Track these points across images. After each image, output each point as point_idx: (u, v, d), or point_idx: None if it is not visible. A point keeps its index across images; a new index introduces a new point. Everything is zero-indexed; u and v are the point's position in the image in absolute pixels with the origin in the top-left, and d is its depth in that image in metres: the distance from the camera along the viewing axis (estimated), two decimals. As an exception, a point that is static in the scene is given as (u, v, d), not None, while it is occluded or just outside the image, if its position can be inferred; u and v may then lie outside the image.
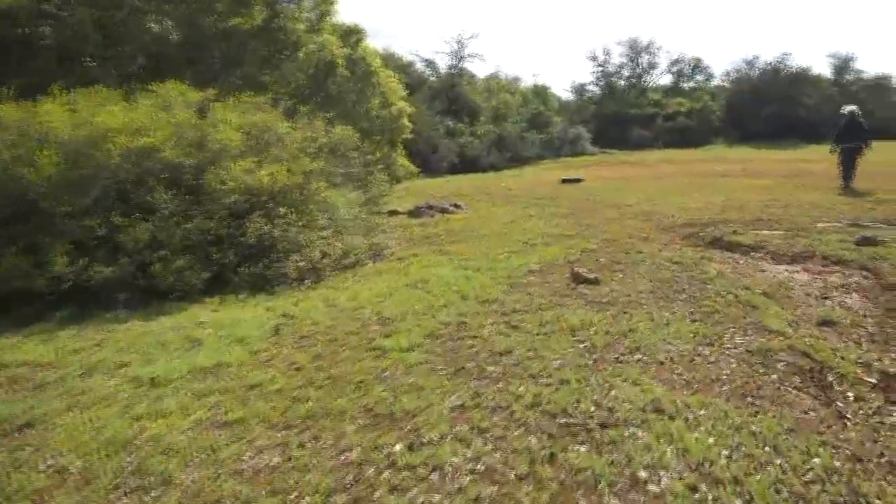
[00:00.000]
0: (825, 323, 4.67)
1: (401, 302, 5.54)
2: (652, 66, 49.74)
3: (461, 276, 6.35)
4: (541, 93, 41.09)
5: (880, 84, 40.65)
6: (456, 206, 12.87)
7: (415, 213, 12.26)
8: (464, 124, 34.14)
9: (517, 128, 35.24)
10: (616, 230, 9.50)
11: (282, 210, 6.85)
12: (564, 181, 18.86)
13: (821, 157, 26.91)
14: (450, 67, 39.92)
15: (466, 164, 30.41)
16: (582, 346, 4.22)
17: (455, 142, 31.45)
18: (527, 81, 44.60)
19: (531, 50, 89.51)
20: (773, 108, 39.01)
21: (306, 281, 6.69)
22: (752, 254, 7.27)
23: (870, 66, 62.30)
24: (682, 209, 11.17)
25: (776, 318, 4.73)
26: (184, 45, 11.58)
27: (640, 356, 3.98)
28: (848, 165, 13.50)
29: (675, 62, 49.70)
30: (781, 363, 3.83)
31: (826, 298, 5.33)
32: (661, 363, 3.85)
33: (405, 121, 16.03)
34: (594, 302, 5.30)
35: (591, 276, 5.95)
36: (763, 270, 6.47)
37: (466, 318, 4.99)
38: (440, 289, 5.94)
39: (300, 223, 6.98)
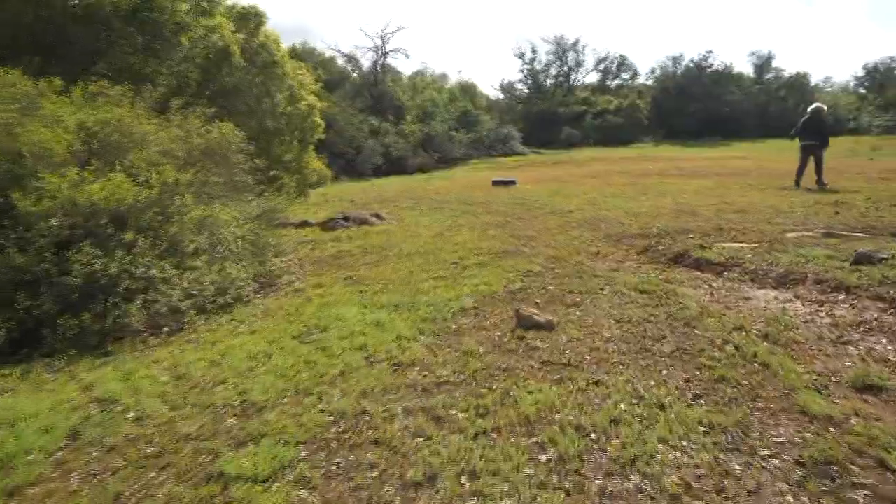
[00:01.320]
0: (867, 389, 3.38)
1: (280, 370, 3.87)
2: (579, 64, 49.69)
3: (371, 321, 4.74)
4: (468, 90, 39.97)
5: (798, 82, 41.77)
6: (377, 215, 11.24)
7: (329, 224, 10.54)
8: (389, 123, 32.49)
9: (445, 127, 33.88)
10: (561, 243, 8.15)
11: (127, 236, 5.04)
12: (496, 183, 17.53)
13: (750, 154, 27.02)
14: (373, 63, 38.20)
15: (393, 166, 28.79)
16: (545, 457, 2.72)
17: (380, 142, 29.74)
18: (453, 79, 43.46)
19: (457, 46, 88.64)
20: (697, 105, 39.42)
21: (163, 331, 4.92)
22: (725, 274, 6.02)
23: (787, 64, 64.82)
24: (629, 215, 9.97)
25: (801, 384, 3.41)
26: (35, 26, 9.43)
27: (639, 480, 2.51)
28: (804, 163, 13.06)
29: (602, 60, 49.85)
30: (859, 488, 2.46)
31: (845, 343, 4.07)
32: (676, 498, 2.39)
33: (317, 118, 14.23)
34: (551, 363, 3.81)
35: (542, 318, 4.48)
36: (748, 298, 5.21)
37: (369, 400, 3.39)
38: (340, 343, 4.31)
39: (155, 252, 5.18)
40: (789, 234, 7.42)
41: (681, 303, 4.97)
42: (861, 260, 5.54)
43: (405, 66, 67.61)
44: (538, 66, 49.71)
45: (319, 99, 16.01)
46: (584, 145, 38.63)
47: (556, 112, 43.23)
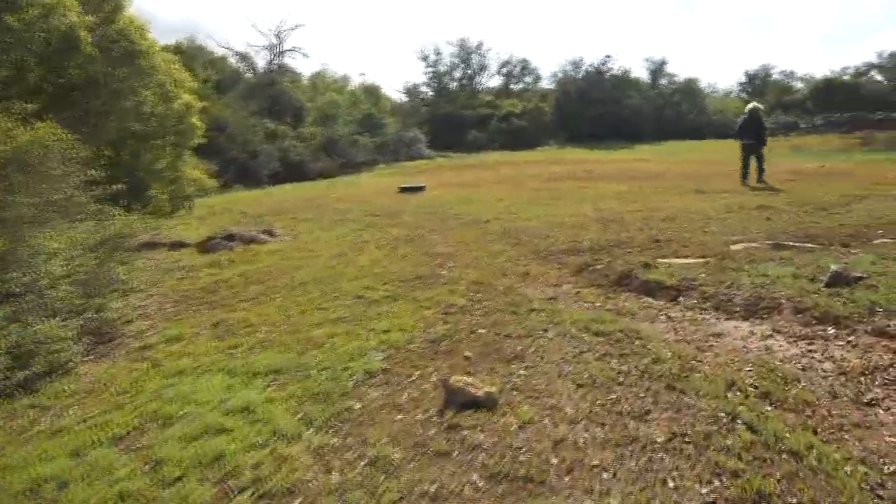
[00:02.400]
0: (942, 487, 2.40)
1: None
2: (483, 67, 49.32)
3: (238, 406, 3.30)
4: (372, 93, 38.49)
5: (689, 87, 43.41)
6: (268, 232, 9.65)
7: (208, 245, 8.84)
8: (287, 126, 30.44)
9: (348, 130, 32.21)
10: (483, 262, 7.00)
11: None
12: (404, 190, 16.27)
13: (652, 157, 27.32)
14: (269, 63, 35.90)
15: (293, 172, 26.80)
16: None
17: (278, 146, 27.69)
18: (356, 80, 41.76)
19: (359, 48, 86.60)
20: (598, 109, 39.94)
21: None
22: (682, 300, 5.06)
23: (679, 69, 67.85)
24: (552, 225, 9.00)
25: (853, 485, 2.38)
26: None
27: None
28: (746, 161, 13.24)
29: (505, 64, 49.70)
30: None
31: (871, 404, 3.13)
32: None
33: (195, 119, 12.35)
34: (502, 478, 2.56)
35: (479, 391, 3.22)
36: (719, 334, 4.23)
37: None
38: (182, 453, 2.85)
39: None
40: (735, 247, 6.64)
41: (648, 348, 3.90)
42: (837, 281, 4.73)
43: (304, 67, 64.86)
44: (442, 69, 48.95)
45: (199, 98, 14.07)
46: (490, 148, 38.12)
47: (462, 115, 42.51)
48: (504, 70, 50.20)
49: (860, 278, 4.73)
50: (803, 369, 3.56)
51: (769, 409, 3.13)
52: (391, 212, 11.92)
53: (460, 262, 7.06)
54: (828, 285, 4.72)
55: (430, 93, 49.00)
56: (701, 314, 4.71)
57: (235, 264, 7.65)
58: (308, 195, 16.84)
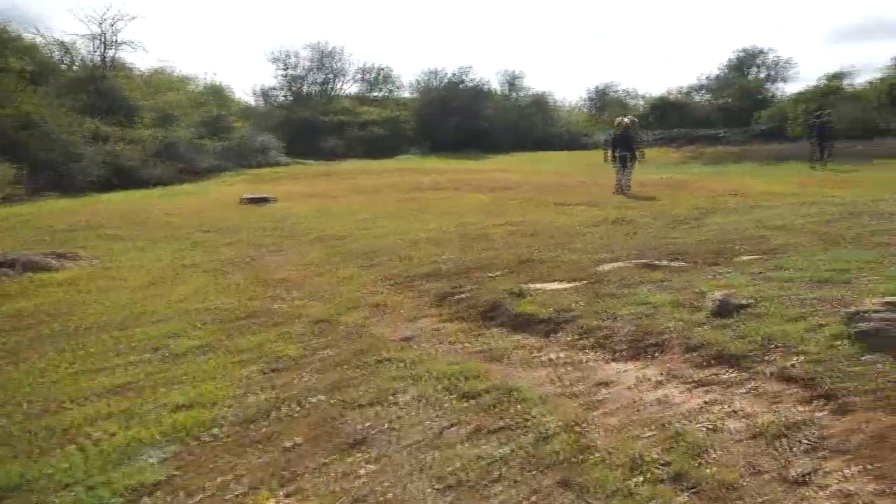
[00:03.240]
0: None
1: None
2: (341, 72, 47.90)
3: None
4: (220, 94, 35.60)
5: (542, 100, 45.08)
6: (64, 255, 7.82)
7: (-27, 273, 6.90)
8: (118, 127, 27.06)
9: (191, 133, 29.33)
10: (329, 290, 5.93)
11: None
12: (249, 201, 14.66)
13: (509, 167, 27.57)
14: (96, 55, 31.96)
15: (123, 178, 23.69)
16: None
17: (105, 149, 24.44)
18: (203, 80, 38.42)
19: (208, 47, 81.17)
20: (458, 119, 40.13)
21: None
22: (559, 336, 4.34)
23: (532, 83, 70.48)
24: (411, 243, 8.12)
25: None
26: None
27: None
28: (620, 173, 13.83)
29: (364, 70, 48.66)
30: None
31: (800, 482, 2.48)
32: None
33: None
34: None
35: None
36: (606, 383, 3.50)
37: None
38: None
39: None
40: (605, 267, 6.13)
41: (529, 417, 3.04)
42: (722, 310, 4.23)
43: (143, 63, 58.84)
44: (298, 73, 46.85)
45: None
46: (349, 156, 36.86)
47: (319, 121, 40.80)
48: (363, 77, 49.16)
49: (745, 305, 4.28)
50: (711, 430, 2.89)
51: (686, 498, 2.39)
52: (229, 227, 10.42)
53: (302, 292, 5.92)
54: (713, 315, 4.21)
55: (286, 97, 46.76)
56: (582, 354, 3.99)
57: (3, 301, 5.89)
58: (134, 206, 14.63)
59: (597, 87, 54.10)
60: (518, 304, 4.90)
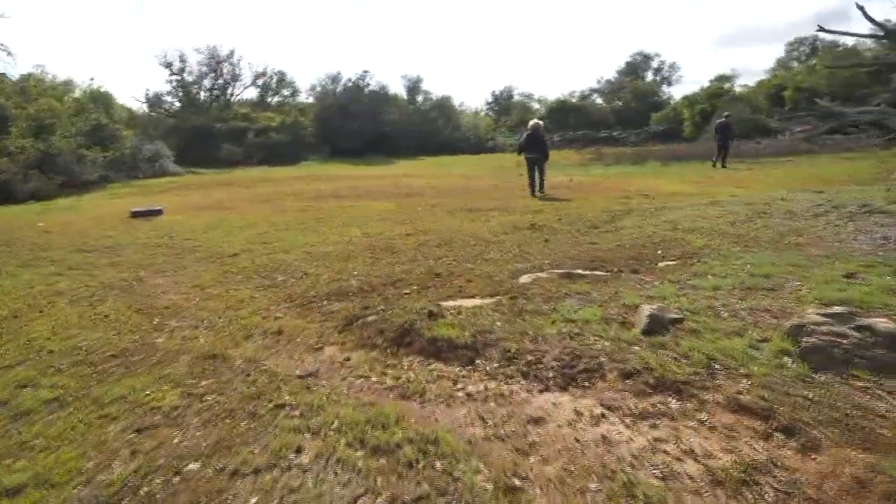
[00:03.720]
0: None
1: None
2: (235, 77, 45.93)
3: None
4: (103, 100, 32.90)
5: (445, 104, 45.14)
6: None
7: None
8: (-18, 138, 24.29)
9: (71, 143, 26.83)
10: (221, 318, 5.21)
11: None
12: (136, 215, 13.37)
13: (413, 171, 27.11)
14: (-47, 59, 28.58)
15: (-9, 194, 21.27)
16: None
17: (-33, 162, 21.82)
18: (82, 86, 35.44)
19: (87, 50, 75.47)
20: (358, 123, 39.38)
21: None
22: (480, 364, 3.91)
23: (433, 87, 70.29)
24: (315, 258, 7.49)
25: None
26: None
27: None
28: (532, 175, 13.81)
29: (260, 75, 46.90)
30: None
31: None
32: None
33: None
34: None
35: None
36: (538, 420, 3.09)
37: None
38: None
39: None
40: (524, 279, 5.78)
41: (454, 474, 2.57)
42: (654, 326, 3.94)
43: (13, 68, 53.49)
44: (189, 78, 44.36)
45: None
46: (247, 164, 35.18)
47: (214, 128, 38.74)
48: (260, 81, 47.43)
49: (678, 320, 4.02)
50: (666, 478, 2.53)
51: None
52: (112, 246, 9.31)
53: (189, 321, 5.18)
54: (646, 332, 3.92)
55: (177, 103, 44.15)
56: (508, 385, 3.57)
57: None
58: (1, 224, 12.95)
59: (498, 91, 55.07)
60: (433, 327, 4.42)
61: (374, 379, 3.78)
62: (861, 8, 11.72)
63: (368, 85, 42.44)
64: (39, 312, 5.62)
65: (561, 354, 3.80)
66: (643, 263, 6.16)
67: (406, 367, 3.95)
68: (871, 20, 12.21)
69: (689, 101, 40.22)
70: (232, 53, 45.50)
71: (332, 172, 27.75)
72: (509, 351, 3.97)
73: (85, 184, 25.15)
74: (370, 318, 4.85)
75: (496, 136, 43.73)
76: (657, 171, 21.16)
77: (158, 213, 13.55)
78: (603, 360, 3.65)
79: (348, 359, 4.18)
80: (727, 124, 20.28)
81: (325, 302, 5.53)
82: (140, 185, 25.54)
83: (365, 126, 39.12)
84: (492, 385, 3.58)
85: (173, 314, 5.41)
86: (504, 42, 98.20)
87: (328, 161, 37.00)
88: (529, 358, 3.84)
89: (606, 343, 3.86)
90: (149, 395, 3.55)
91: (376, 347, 4.35)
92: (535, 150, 13.91)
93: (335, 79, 43.49)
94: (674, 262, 6.10)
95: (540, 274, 5.93)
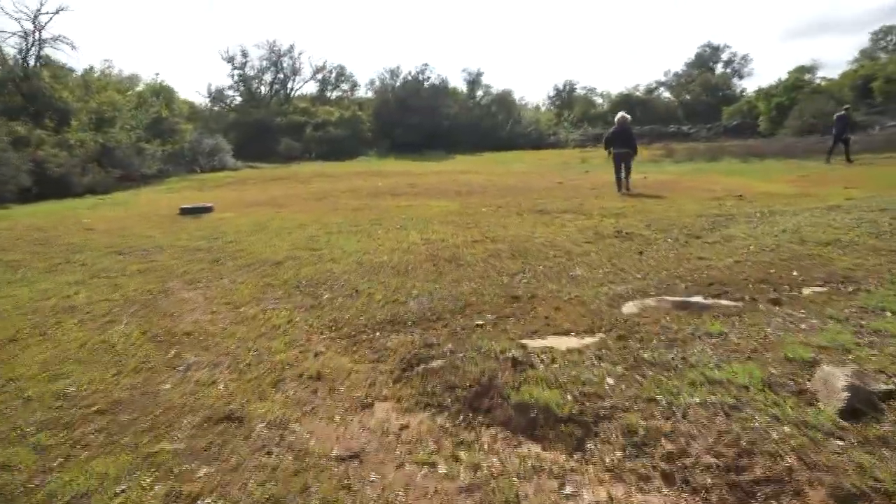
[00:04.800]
0: None
1: None
2: (295, 71, 45.82)
3: None
4: (164, 94, 33.11)
5: (505, 98, 43.76)
6: None
7: None
8: (48, 131, 24.56)
9: (132, 136, 26.93)
10: (248, 349, 4.20)
11: None
12: (185, 212, 12.73)
13: (473, 168, 25.92)
14: (22, 52, 29.22)
15: (51, 187, 21.30)
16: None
17: (30, 155, 21.98)
18: (146, 81, 35.83)
19: (154, 47, 77.48)
20: (418, 118, 38.48)
21: None
22: (590, 450, 2.72)
23: (494, 81, 68.63)
24: (367, 270, 6.43)
25: None
26: None
27: None
28: (619, 172, 13.10)
29: (320, 69, 46.66)
30: None
31: None
32: None
33: None
34: None
35: None
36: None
37: None
38: None
39: None
40: (628, 308, 4.54)
41: None
42: (858, 406, 2.66)
43: (77, 62, 54.91)
44: (251, 72, 44.52)
45: None
46: (305, 159, 34.83)
47: (274, 122, 38.65)
48: (319, 76, 47.24)
49: (891, 394, 2.72)
50: None
51: None
52: (149, 248, 8.55)
53: (209, 355, 4.18)
54: (846, 414, 2.63)
55: (238, 98, 44.41)
56: (644, 494, 2.38)
57: None
58: (48, 221, 12.50)
59: (559, 85, 53.17)
60: (521, 384, 3.25)
61: (441, 469, 2.64)
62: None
63: (428, 79, 41.56)
64: (41, 336, 4.74)
65: (718, 445, 2.56)
66: (780, 289, 4.78)
67: (487, 448, 2.81)
68: None
69: (766, 94, 37.57)
70: (292, 48, 45.45)
71: (390, 168, 26.90)
72: (635, 432, 2.76)
73: (143, 177, 25.13)
74: (435, 364, 3.71)
75: (558, 130, 42.01)
76: (738, 169, 19.31)
77: (208, 210, 12.86)
78: (791, 462, 2.39)
79: (405, 426, 3.07)
80: (846, 116, 18.60)
81: (377, 333, 4.44)
82: (198, 179, 25.33)
83: (424, 121, 38.18)
84: (619, 492, 2.39)
85: (193, 344, 4.43)
86: (566, 35, 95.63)
87: (386, 156, 36.30)
88: (668, 447, 2.62)
89: (786, 430, 2.59)
90: (124, 491, 2.51)
91: (443, 410, 3.21)
92: (624, 145, 13.08)
93: (394, 73, 42.81)
94: (822, 289, 4.71)
95: (647, 301, 4.66)
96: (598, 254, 6.63)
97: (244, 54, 43.60)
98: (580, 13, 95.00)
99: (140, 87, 33.98)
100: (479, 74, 45.10)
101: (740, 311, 4.27)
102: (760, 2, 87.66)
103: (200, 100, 44.01)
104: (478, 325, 4.40)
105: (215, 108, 43.39)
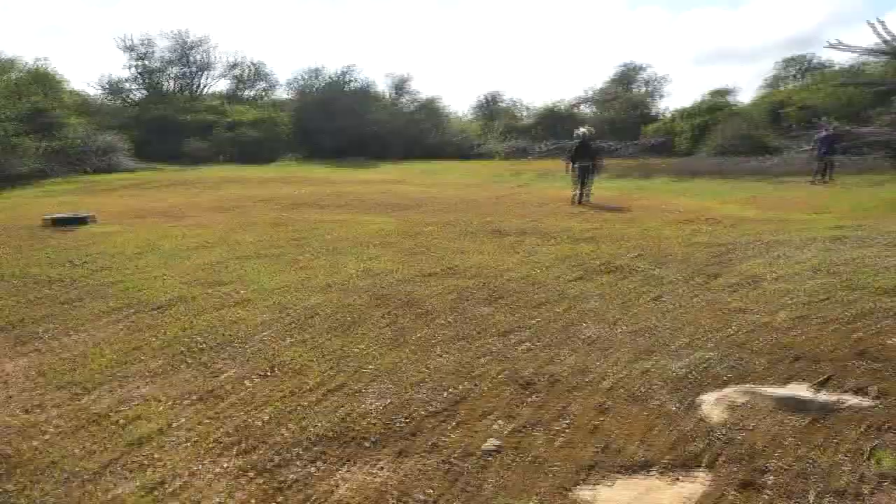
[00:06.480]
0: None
1: None
2: (206, 66, 42.29)
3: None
4: (45, 81, 29.13)
5: (432, 105, 42.33)
6: None
7: None
8: None
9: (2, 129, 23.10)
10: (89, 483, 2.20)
11: None
12: (56, 222, 10.17)
13: (404, 178, 24.03)
14: None
15: None
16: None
17: None
18: (27, 66, 31.43)
19: (38, 27, 69.80)
20: (341, 122, 36.23)
21: None
22: None
23: (421, 87, 66.09)
24: (292, 327, 4.51)
25: None
26: None
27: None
28: (582, 183, 13.12)
29: (234, 65, 43.36)
30: None
31: None
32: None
33: None
34: None
35: None
36: None
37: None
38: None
39: None
40: (710, 408, 2.88)
41: None
42: None
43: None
44: (155, 64, 40.66)
45: None
46: (216, 162, 31.80)
47: (180, 120, 35.22)
48: (233, 73, 43.82)
49: None
50: None
51: None
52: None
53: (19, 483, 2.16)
54: None
55: (139, 92, 40.48)
56: None
57: None
58: None
59: (483, 96, 52.23)
60: None
61: None
62: (876, 24, 12.26)
63: (353, 81, 39.34)
64: None
65: None
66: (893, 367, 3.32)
67: None
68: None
69: (688, 113, 38.24)
70: (202, 41, 41.84)
71: (312, 175, 24.56)
72: None
73: (16, 177, 21.46)
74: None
75: (487, 140, 40.92)
76: (681, 188, 18.51)
77: (84, 221, 10.33)
78: None
79: None
80: (835, 136, 18.07)
81: (315, 467, 2.56)
82: (85, 181, 22.04)
83: (347, 125, 35.91)
84: None
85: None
86: (491, 46, 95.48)
87: (307, 161, 33.82)
88: None
89: None
90: None
91: None
92: (587, 159, 13.37)
93: (317, 73, 40.31)
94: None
95: (732, 394, 3.05)
96: (602, 299, 5.03)
97: (147, 43, 39.75)
98: (504, 25, 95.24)
99: (17, 74, 29.66)
100: (405, 79, 43.32)
101: (881, 411, 2.72)
102: (673, 27, 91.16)
103: (95, 92, 39.68)
104: (481, 450, 2.63)
105: (112, 103, 39.24)
